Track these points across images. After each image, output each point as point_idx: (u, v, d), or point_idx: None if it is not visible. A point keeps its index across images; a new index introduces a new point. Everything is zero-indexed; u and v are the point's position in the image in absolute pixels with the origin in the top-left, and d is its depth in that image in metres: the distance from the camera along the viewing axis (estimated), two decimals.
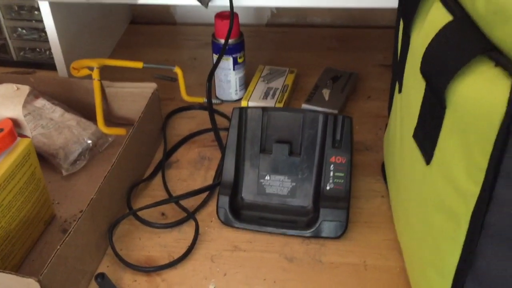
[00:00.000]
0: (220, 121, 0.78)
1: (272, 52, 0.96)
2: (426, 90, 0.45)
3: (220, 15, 0.76)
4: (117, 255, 0.59)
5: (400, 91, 0.56)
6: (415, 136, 0.48)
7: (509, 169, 0.36)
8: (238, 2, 0.73)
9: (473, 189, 0.39)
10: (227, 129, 0.67)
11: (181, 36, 1.02)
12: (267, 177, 0.63)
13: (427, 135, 0.45)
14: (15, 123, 0.59)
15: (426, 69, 0.43)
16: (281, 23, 1.05)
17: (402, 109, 0.54)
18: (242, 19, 0.80)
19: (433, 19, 0.44)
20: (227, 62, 0.79)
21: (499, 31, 0.37)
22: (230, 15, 0.74)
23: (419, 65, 0.45)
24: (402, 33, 0.55)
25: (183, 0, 0.74)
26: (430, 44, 0.43)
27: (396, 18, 0.59)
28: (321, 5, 0.72)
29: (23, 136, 0.60)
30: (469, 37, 0.39)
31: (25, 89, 0.61)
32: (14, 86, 0.62)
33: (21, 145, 0.56)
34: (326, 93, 0.80)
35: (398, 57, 0.56)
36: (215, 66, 0.76)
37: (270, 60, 0.93)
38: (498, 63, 0.36)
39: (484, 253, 0.41)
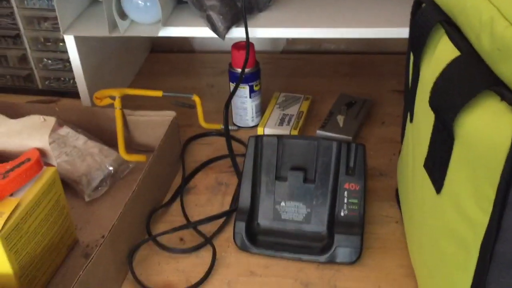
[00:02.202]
0: (237, 147, 0.80)
1: (287, 78, 0.98)
2: (435, 122, 0.47)
3: (236, 46, 0.79)
4: (136, 279, 0.61)
5: (411, 120, 0.57)
6: (426, 165, 0.49)
7: None
8: (253, 34, 0.76)
9: (482, 219, 0.40)
10: (243, 155, 0.69)
11: (199, 64, 1.05)
12: (283, 204, 0.65)
13: (437, 165, 0.46)
14: (41, 152, 0.62)
15: (434, 103, 0.45)
16: (296, 50, 1.07)
17: (413, 138, 0.56)
18: (258, 47, 0.83)
19: (441, 54, 0.46)
20: (244, 90, 0.81)
21: (503, 66, 0.39)
22: (246, 46, 0.76)
23: (428, 98, 0.47)
24: (413, 65, 0.56)
25: (200, 33, 0.77)
26: (438, 79, 0.44)
27: (407, 48, 0.61)
28: (332, 36, 0.74)
29: (48, 164, 0.63)
30: (475, 73, 0.41)
31: (51, 120, 0.64)
32: (41, 117, 0.65)
33: (47, 174, 0.59)
34: (340, 119, 0.82)
35: (409, 88, 0.57)
36: (232, 94, 0.79)
37: (286, 86, 0.95)
38: (503, 98, 0.38)
39: (496, 281, 0.42)
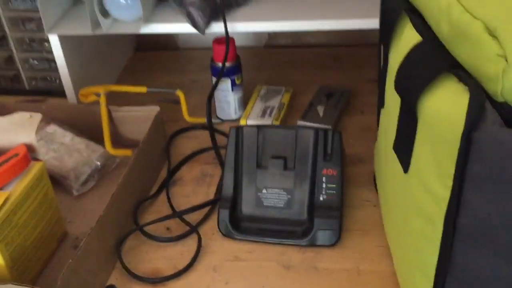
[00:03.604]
0: (221, 140, 0.82)
1: (270, 72, 1.00)
2: (401, 105, 0.49)
3: (217, 41, 0.81)
4: (125, 267, 0.63)
5: (382, 106, 0.60)
6: (394, 147, 0.52)
7: (474, 174, 0.40)
8: (233, 28, 0.78)
9: (444, 194, 0.43)
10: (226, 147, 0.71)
11: (183, 60, 1.07)
12: (264, 191, 0.67)
13: (404, 145, 0.49)
14: (29, 148, 0.64)
15: (399, 86, 0.48)
16: (278, 45, 1.10)
17: (385, 123, 0.58)
18: (241, 42, 0.85)
19: (406, 40, 0.49)
20: (226, 84, 0.83)
21: (460, 50, 0.42)
22: (226, 40, 0.79)
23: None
24: (382, 53, 0.59)
25: (181, 29, 0.79)
26: (402, 63, 0.47)
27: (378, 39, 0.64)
28: (309, 28, 0.77)
29: (36, 160, 0.65)
30: (436, 57, 0.44)
31: (38, 116, 0.66)
32: (27, 114, 0.67)
33: (35, 168, 0.61)
34: (320, 109, 0.85)
35: (380, 75, 0.60)
36: (214, 87, 0.81)
37: (268, 79, 0.97)
38: (460, 79, 0.41)
39: (460, 253, 0.45)
